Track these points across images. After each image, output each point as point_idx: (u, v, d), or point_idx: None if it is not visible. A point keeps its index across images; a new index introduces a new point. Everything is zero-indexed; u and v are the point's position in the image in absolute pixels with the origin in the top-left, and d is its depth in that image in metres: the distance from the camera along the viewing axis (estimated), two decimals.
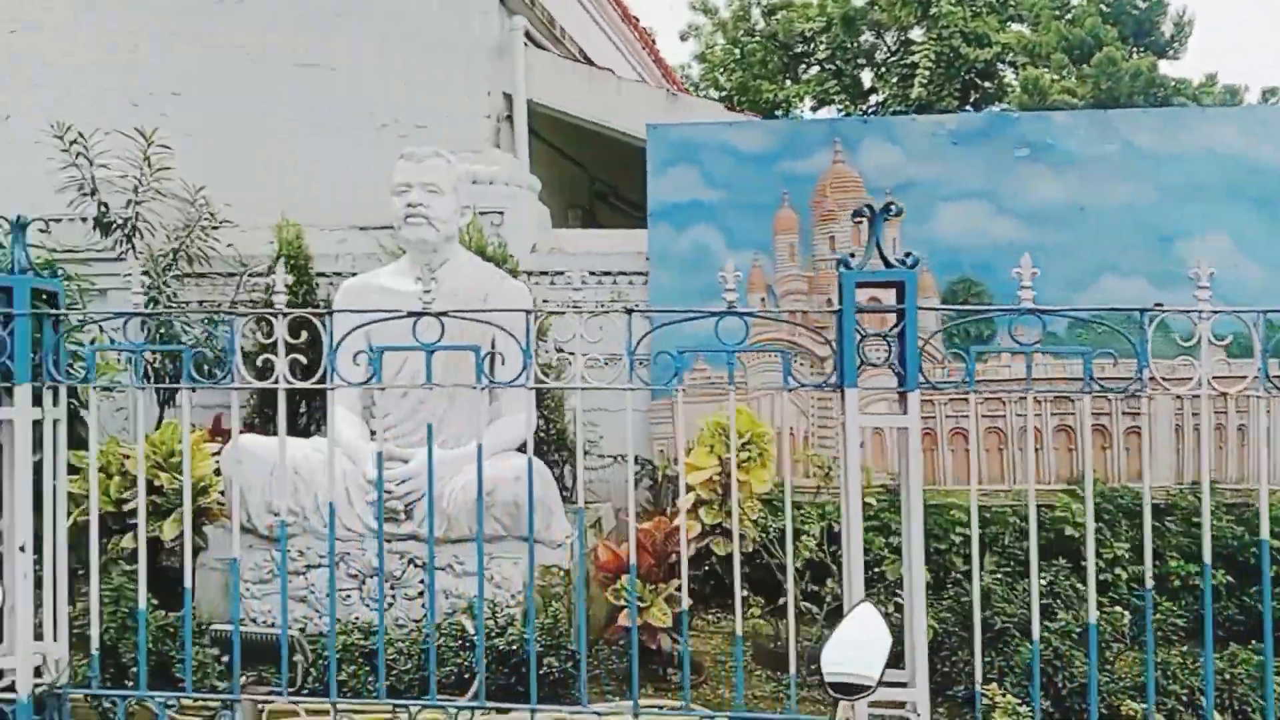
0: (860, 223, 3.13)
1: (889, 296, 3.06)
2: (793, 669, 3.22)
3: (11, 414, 3.17)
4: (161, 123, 6.41)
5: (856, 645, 2.00)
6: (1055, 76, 15.38)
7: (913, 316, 2.95)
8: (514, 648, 4.11)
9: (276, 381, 3.20)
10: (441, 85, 7.17)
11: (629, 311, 3.19)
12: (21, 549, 3.23)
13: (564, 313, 3.33)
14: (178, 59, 7.34)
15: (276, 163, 7.04)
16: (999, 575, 4.80)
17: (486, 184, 6.43)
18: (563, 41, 8.17)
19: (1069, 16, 16.64)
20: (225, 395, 5.97)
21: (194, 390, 3.34)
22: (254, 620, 4.68)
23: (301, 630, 4.27)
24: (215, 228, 6.40)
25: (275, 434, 3.72)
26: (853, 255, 3.07)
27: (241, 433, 5.63)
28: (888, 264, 3.02)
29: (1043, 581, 4.55)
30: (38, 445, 3.22)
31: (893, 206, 3.02)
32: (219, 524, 4.89)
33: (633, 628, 3.42)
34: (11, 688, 3.20)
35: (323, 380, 3.26)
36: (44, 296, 3.36)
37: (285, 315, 3.20)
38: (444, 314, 3.30)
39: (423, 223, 5.04)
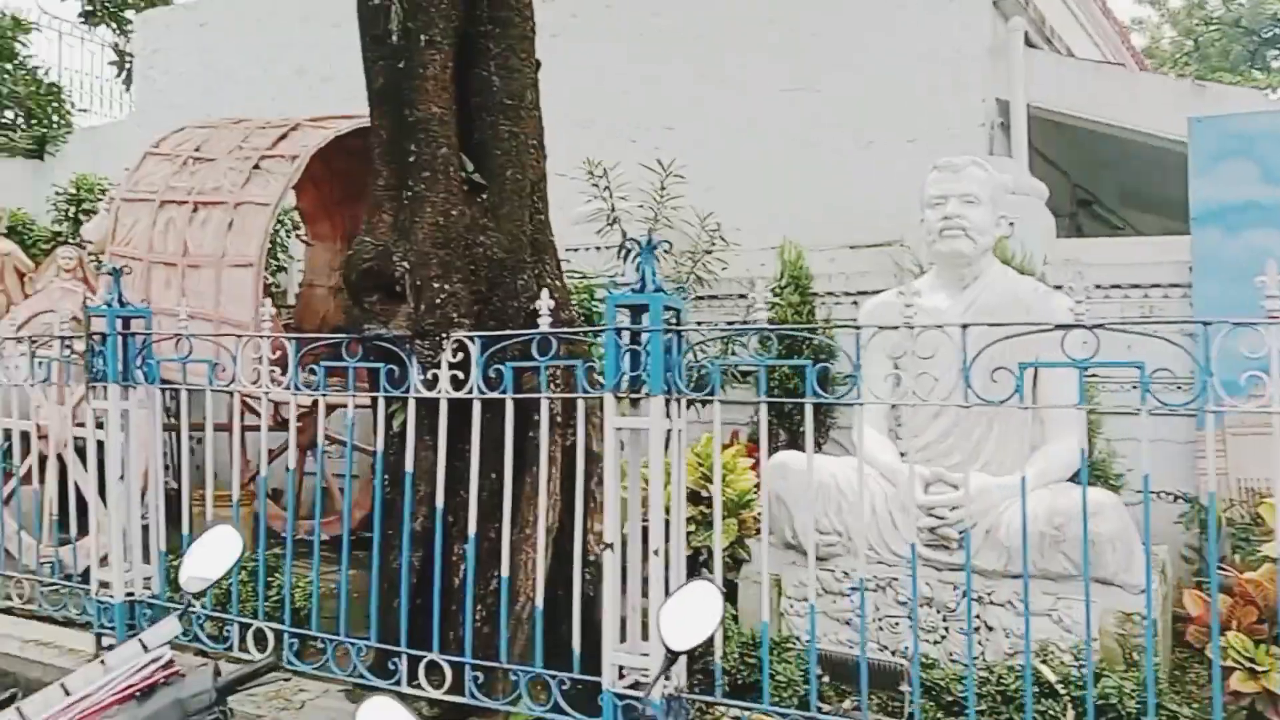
0: None
1: None
2: None
3: (647, 423, 3.32)
4: (655, 156, 6.76)
5: None
6: None
7: None
8: (1113, 702, 3.67)
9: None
10: (929, 97, 6.91)
11: None
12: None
13: (1253, 324, 2.88)
14: (669, 95, 7.74)
15: (765, 187, 7.16)
16: None
17: None
18: (1052, 41, 7.60)
19: None
20: (739, 411, 6.14)
21: (817, 405, 3.30)
22: (798, 639, 4.65)
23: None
24: (709, 252, 6.62)
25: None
26: None
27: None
28: None
29: None
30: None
31: None
32: (760, 538, 4.92)
33: None
34: (637, 685, 3.33)
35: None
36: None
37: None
38: (1099, 326, 2.98)
39: (959, 235, 4.80)
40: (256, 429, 6.22)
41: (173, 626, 2.53)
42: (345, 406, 4.01)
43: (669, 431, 3.40)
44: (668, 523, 3.40)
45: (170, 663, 2.42)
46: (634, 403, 3.42)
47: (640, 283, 3.40)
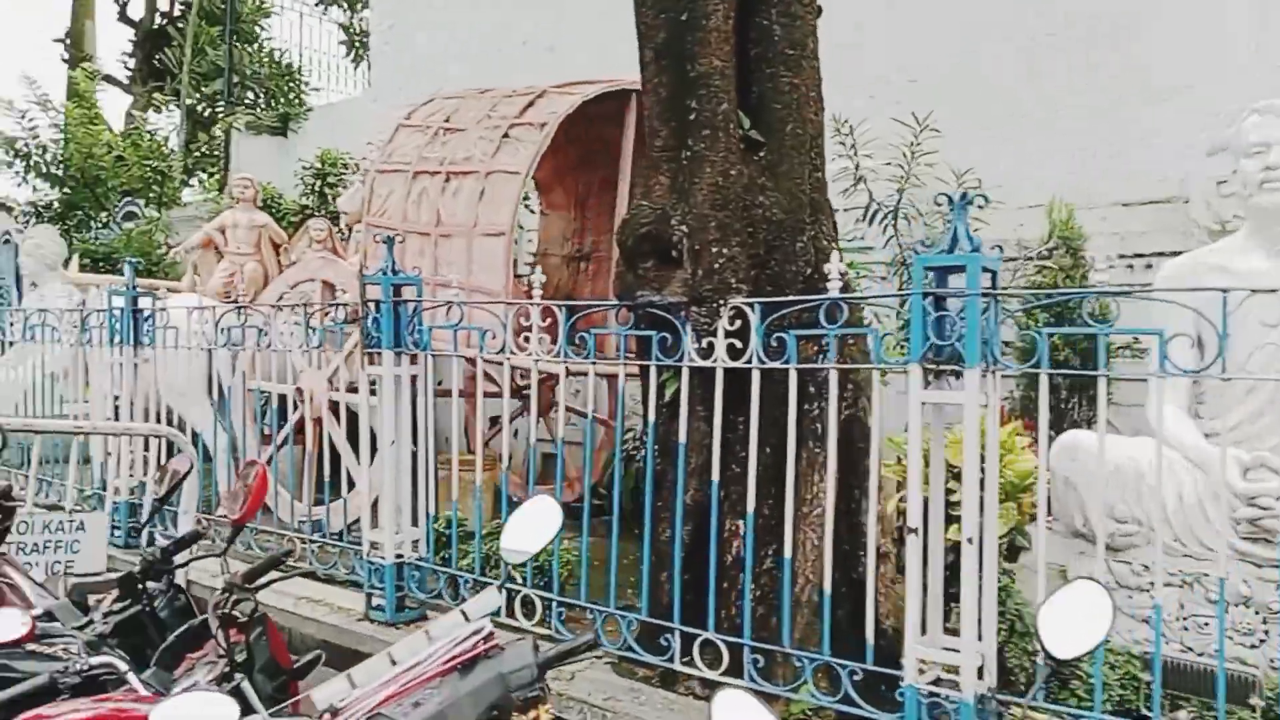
0: None
1: None
2: None
3: (960, 398, 3.04)
4: (898, 110, 6.33)
5: None
6: None
7: None
8: None
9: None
10: (1213, 38, 6.17)
11: None
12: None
13: None
14: (909, 47, 7.27)
15: (1023, 141, 6.62)
16: None
17: None
18: None
19: None
20: (1003, 386, 5.70)
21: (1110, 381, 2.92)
22: None
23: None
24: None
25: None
26: None
27: None
28: None
29: None
30: None
31: None
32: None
33: None
34: (940, 683, 3.08)
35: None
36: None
37: None
38: None
39: None
40: (492, 395, 6.34)
41: (493, 598, 2.47)
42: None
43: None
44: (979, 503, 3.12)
45: (490, 635, 2.36)
46: (937, 375, 3.14)
47: (952, 242, 3.09)
